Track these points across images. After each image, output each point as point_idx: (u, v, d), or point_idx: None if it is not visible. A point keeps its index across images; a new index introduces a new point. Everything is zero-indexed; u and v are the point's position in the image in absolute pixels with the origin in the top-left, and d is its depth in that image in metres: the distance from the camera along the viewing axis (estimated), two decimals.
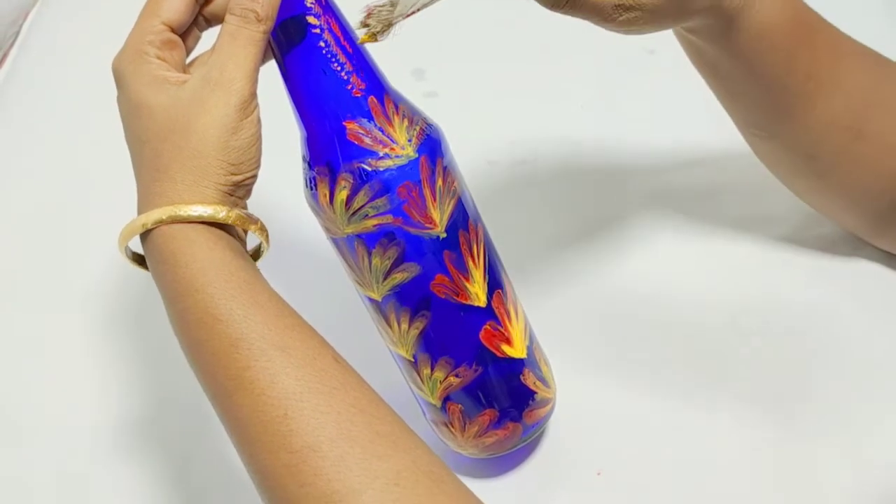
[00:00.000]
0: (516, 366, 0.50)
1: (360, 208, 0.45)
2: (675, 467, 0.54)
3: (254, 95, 0.43)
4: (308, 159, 0.46)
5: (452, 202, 0.47)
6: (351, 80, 0.45)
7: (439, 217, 0.46)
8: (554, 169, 0.72)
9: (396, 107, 0.46)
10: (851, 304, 0.60)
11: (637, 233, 0.66)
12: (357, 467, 0.38)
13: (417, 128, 0.47)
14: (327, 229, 0.48)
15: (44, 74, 0.85)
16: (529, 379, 0.51)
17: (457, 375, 0.49)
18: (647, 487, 0.54)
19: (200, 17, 0.47)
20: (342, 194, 0.45)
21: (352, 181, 0.45)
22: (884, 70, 0.53)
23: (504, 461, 0.55)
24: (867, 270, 0.61)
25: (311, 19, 0.44)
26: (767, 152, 0.58)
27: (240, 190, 0.44)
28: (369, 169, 0.45)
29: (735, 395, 0.57)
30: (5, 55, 0.88)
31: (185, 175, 0.42)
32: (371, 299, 0.49)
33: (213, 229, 0.42)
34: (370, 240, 0.46)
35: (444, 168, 0.47)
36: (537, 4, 0.44)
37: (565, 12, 0.44)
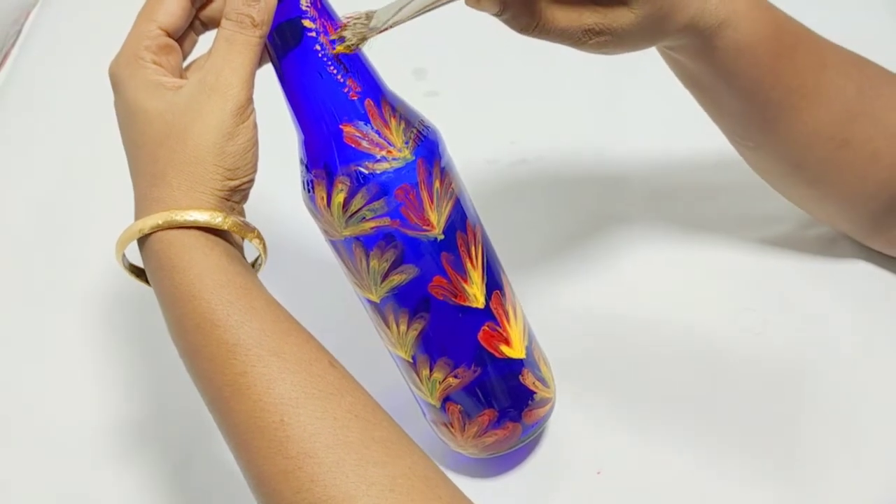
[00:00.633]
0: (515, 366, 0.50)
1: (357, 211, 0.45)
2: (674, 467, 0.54)
3: (250, 100, 0.43)
4: (305, 162, 0.46)
5: (450, 204, 0.47)
6: (347, 83, 0.45)
7: (437, 219, 0.46)
8: (554, 168, 0.72)
9: (393, 109, 0.46)
10: (850, 304, 0.60)
11: (637, 232, 0.66)
12: (353, 473, 0.38)
13: (414, 130, 0.46)
14: (325, 232, 0.48)
15: (45, 74, 0.85)
16: (529, 379, 0.51)
17: (456, 376, 0.49)
18: (647, 487, 0.54)
19: (197, 21, 0.47)
20: (339, 197, 0.45)
21: (349, 184, 0.45)
22: (866, 75, 0.53)
23: (504, 461, 0.55)
24: (865, 270, 0.61)
25: (306, 23, 0.44)
26: (755, 161, 0.58)
27: (236, 195, 0.44)
28: (366, 172, 0.45)
29: (735, 394, 0.57)
30: (6, 55, 0.89)
31: (181, 181, 0.42)
32: (370, 301, 0.49)
33: (209, 235, 0.42)
34: (368, 242, 0.46)
35: (442, 170, 0.47)
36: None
37: (535, 36, 0.45)
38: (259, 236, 0.45)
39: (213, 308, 0.40)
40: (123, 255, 0.44)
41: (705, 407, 0.56)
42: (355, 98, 0.45)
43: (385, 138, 0.45)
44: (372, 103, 0.45)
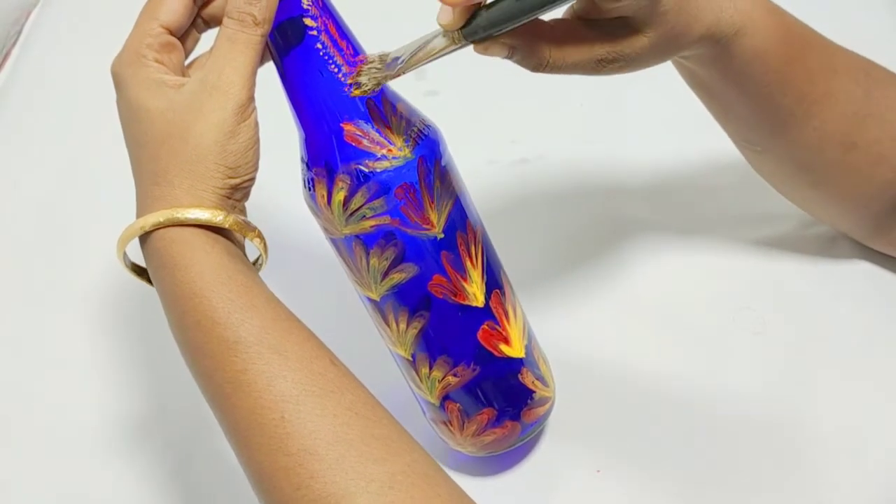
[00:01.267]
0: (515, 365, 0.50)
1: (357, 209, 0.45)
2: (673, 465, 0.54)
3: (251, 99, 0.43)
4: (306, 160, 0.46)
5: (450, 203, 0.47)
6: (348, 81, 0.45)
7: (437, 218, 0.47)
8: (554, 168, 0.72)
9: (394, 108, 0.46)
10: (850, 304, 0.60)
11: (637, 231, 0.66)
12: (353, 470, 0.38)
13: (415, 129, 0.47)
14: (326, 230, 0.48)
15: (46, 74, 0.86)
16: (528, 378, 0.51)
17: (455, 375, 0.49)
18: (646, 486, 0.54)
19: (199, 19, 0.47)
20: (340, 195, 0.45)
21: (349, 182, 0.45)
22: (874, 78, 0.53)
23: (503, 459, 0.55)
24: (865, 270, 0.61)
25: (308, 21, 0.45)
26: (760, 164, 0.58)
27: (238, 193, 0.44)
28: (367, 170, 0.45)
29: (735, 393, 0.57)
30: (7, 55, 0.89)
31: (182, 179, 0.42)
32: (370, 299, 0.49)
33: (210, 233, 0.42)
34: (368, 240, 0.46)
35: (442, 169, 0.47)
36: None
37: (549, 73, 0.45)
38: (260, 235, 0.45)
39: (214, 305, 0.41)
40: (125, 254, 0.44)
41: (704, 406, 0.57)
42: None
43: (385, 137, 0.45)
44: (373, 102, 0.46)
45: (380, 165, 0.45)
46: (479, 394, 0.50)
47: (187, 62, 0.46)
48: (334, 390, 0.40)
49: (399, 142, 0.46)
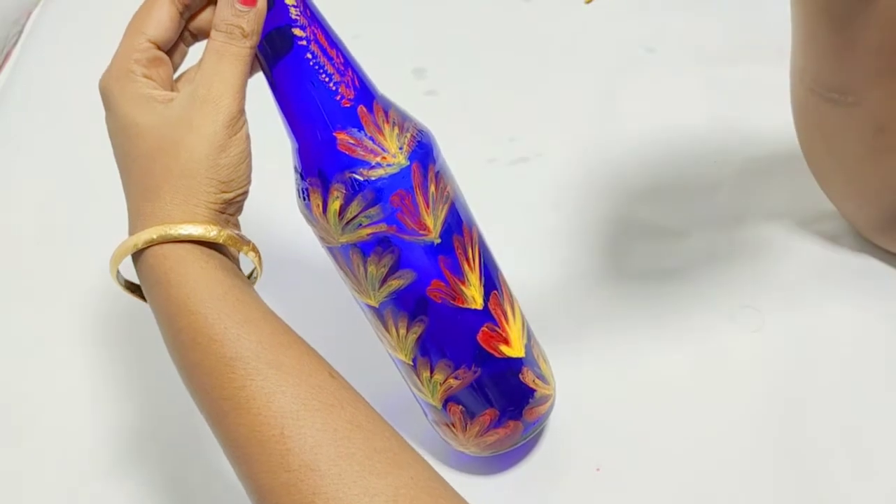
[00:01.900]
0: (515, 365, 0.50)
1: (353, 218, 0.45)
2: (673, 464, 0.54)
3: (242, 112, 0.43)
4: (300, 170, 0.46)
5: (446, 207, 0.47)
6: (339, 90, 0.45)
7: (433, 223, 0.46)
8: (554, 167, 0.72)
9: (386, 114, 0.46)
10: (851, 301, 0.60)
11: (636, 230, 0.66)
12: (355, 485, 0.38)
13: (408, 135, 0.46)
14: (322, 239, 0.48)
15: (46, 74, 0.86)
16: (528, 377, 0.51)
17: (456, 377, 0.49)
18: (646, 484, 0.54)
19: (186, 33, 0.46)
20: (335, 204, 0.45)
21: (344, 191, 0.45)
22: None
23: (505, 458, 0.55)
24: (866, 267, 0.61)
25: (296, 31, 0.44)
26: (833, 120, 0.53)
27: (231, 207, 0.43)
28: (361, 178, 0.45)
29: (735, 392, 0.57)
30: (7, 55, 0.89)
31: (174, 194, 0.42)
32: (369, 306, 0.49)
33: (204, 248, 0.42)
34: (365, 248, 0.46)
35: (437, 174, 0.47)
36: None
37: None
38: (254, 249, 0.44)
39: (210, 322, 0.40)
40: (118, 272, 0.44)
41: (704, 404, 0.56)
42: (348, 105, 0.45)
43: (379, 144, 0.45)
44: (365, 109, 0.45)
45: (374, 173, 0.45)
46: (481, 395, 0.50)
47: (175, 76, 0.46)
48: (334, 404, 0.40)
49: (393, 148, 0.45)
